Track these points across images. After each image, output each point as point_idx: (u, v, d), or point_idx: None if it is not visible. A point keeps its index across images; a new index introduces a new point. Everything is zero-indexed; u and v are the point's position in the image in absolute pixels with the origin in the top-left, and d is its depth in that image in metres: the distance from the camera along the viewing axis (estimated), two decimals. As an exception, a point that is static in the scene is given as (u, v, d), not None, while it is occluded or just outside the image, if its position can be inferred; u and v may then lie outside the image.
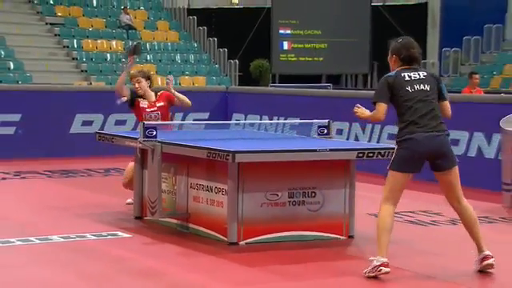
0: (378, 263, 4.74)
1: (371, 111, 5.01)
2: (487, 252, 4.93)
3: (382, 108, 4.85)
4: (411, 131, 4.78)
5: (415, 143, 4.76)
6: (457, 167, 4.93)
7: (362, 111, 5.08)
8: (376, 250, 4.81)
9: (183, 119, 10.80)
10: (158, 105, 7.04)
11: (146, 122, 6.16)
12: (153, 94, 7.10)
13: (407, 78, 4.86)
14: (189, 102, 7.03)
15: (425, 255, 5.53)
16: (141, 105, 7.05)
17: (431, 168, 4.91)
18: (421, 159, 4.82)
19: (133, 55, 7.16)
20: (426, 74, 4.94)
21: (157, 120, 6.94)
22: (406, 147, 4.79)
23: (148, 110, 7.03)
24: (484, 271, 4.93)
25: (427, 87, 4.87)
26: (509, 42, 20.88)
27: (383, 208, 4.84)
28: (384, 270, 4.73)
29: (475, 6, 22.79)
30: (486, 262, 4.91)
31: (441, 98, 4.94)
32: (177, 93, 7.05)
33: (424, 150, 4.78)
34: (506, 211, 7.34)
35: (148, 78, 7.13)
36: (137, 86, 7.04)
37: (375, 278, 4.74)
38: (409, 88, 4.83)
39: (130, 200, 6.93)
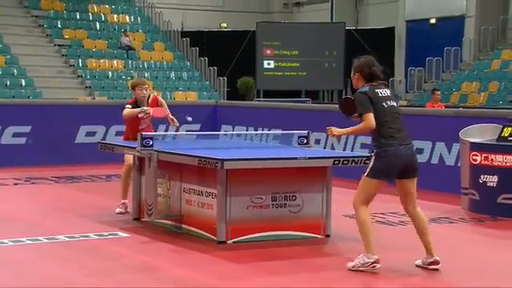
0: (372, 260, 4.69)
1: (344, 128, 4.91)
2: (437, 258, 4.88)
3: (371, 117, 4.70)
4: (389, 144, 4.73)
5: (393, 155, 4.73)
6: (416, 177, 4.91)
7: (335, 130, 4.92)
8: (359, 248, 4.77)
9: (177, 130, 10.75)
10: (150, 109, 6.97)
11: (143, 133, 6.12)
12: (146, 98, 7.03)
13: (380, 95, 4.81)
14: (165, 111, 6.95)
15: (395, 251, 5.52)
16: (139, 115, 6.94)
17: (397, 176, 4.86)
18: (396, 169, 4.78)
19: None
20: (390, 91, 4.93)
21: (147, 123, 6.90)
22: (384, 158, 4.73)
23: (145, 116, 6.93)
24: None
25: (394, 104, 4.88)
26: (466, 62, 21.07)
27: (363, 211, 4.76)
28: (377, 266, 4.70)
29: (436, 30, 22.98)
30: (433, 267, 4.87)
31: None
32: (161, 105, 6.99)
33: (400, 162, 4.76)
34: (465, 212, 7.36)
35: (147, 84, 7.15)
36: (144, 92, 6.94)
37: (356, 271, 4.70)
38: (384, 104, 4.79)
39: (118, 209, 6.85)
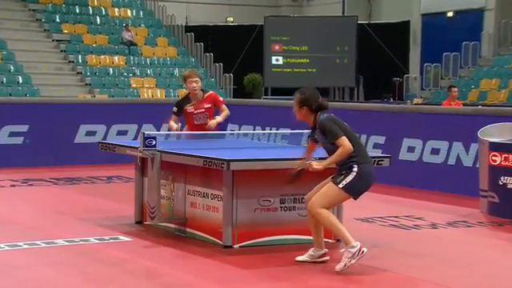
0: (357, 247, 4.81)
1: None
2: (326, 250, 5.15)
3: (346, 140, 4.89)
4: (367, 162, 4.97)
5: (370, 174, 4.97)
6: None
7: (316, 164, 5.00)
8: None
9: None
10: (205, 106, 6.98)
11: (146, 132, 6.14)
12: (201, 93, 7.01)
13: (336, 117, 5.03)
14: (228, 112, 7.06)
15: (407, 257, 5.52)
16: (188, 110, 6.97)
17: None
18: (368, 188, 5.02)
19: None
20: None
21: (205, 120, 6.94)
22: (365, 177, 4.92)
23: (195, 112, 6.96)
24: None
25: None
26: (485, 58, 21.00)
27: (324, 211, 4.93)
28: (365, 250, 4.84)
29: (454, 24, 22.93)
30: (324, 259, 5.12)
31: None
32: (219, 118, 7.03)
33: (372, 182, 5.03)
34: (483, 216, 7.34)
35: (200, 78, 7.09)
36: (194, 85, 6.91)
37: (352, 263, 4.76)
38: (345, 124, 5.02)
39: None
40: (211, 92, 7.15)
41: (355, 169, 4.90)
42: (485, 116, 8.60)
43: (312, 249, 5.17)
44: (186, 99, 7.01)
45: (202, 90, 7.03)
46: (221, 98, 7.20)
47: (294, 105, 5.07)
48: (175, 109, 6.98)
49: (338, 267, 4.85)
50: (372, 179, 5.00)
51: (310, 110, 5.03)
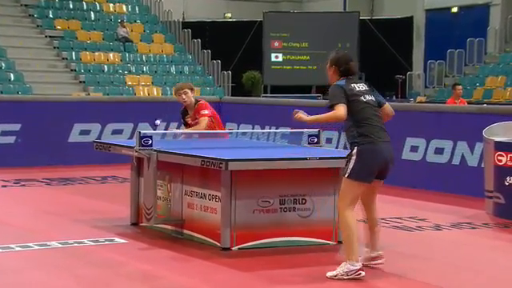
0: (356, 267, 4.75)
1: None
2: (381, 252, 5.06)
3: (342, 107, 4.77)
4: (370, 141, 4.80)
5: (377, 154, 4.79)
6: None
7: (299, 115, 5.03)
8: (348, 254, 4.81)
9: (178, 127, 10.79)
10: (197, 116, 7.02)
11: (141, 132, 6.15)
12: (193, 104, 7.05)
13: (357, 89, 4.91)
14: (201, 126, 6.97)
15: (409, 259, 5.54)
16: (188, 122, 7.10)
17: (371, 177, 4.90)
18: (377, 168, 4.86)
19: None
20: (366, 86, 5.01)
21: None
22: (366, 157, 4.78)
23: (192, 122, 7.06)
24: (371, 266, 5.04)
25: (373, 98, 4.96)
26: (490, 55, 21.01)
27: (349, 214, 4.82)
28: (362, 273, 4.77)
29: (458, 20, 22.93)
30: (378, 261, 5.04)
31: (380, 105, 5.00)
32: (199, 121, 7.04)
33: (383, 161, 4.84)
34: (489, 217, 7.35)
35: (192, 89, 7.13)
36: (184, 97, 7.01)
37: (352, 279, 4.74)
38: (362, 98, 4.88)
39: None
40: (201, 102, 7.15)
41: (354, 151, 4.80)
42: (490, 115, 8.62)
43: (366, 250, 5.08)
44: (185, 110, 7.15)
45: (195, 99, 7.09)
46: (204, 112, 7.03)
47: (326, 63, 5.04)
48: (182, 121, 7.16)
49: (330, 274, 4.82)
50: (377, 156, 4.77)
51: (338, 72, 4.95)
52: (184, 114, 7.16)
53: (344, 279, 4.76)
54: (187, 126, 7.16)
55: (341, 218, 4.87)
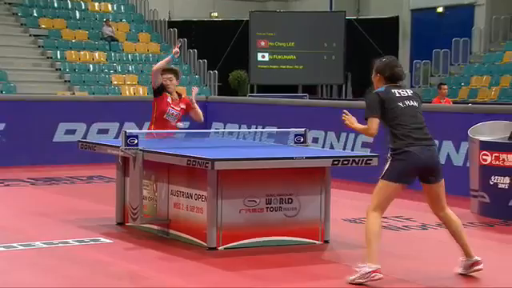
0: (371, 269, 4.67)
1: (359, 122, 4.96)
2: (477, 258, 4.94)
3: (375, 123, 4.78)
4: (407, 144, 4.75)
5: (411, 156, 4.75)
6: (443, 179, 4.94)
7: (350, 120, 4.96)
8: (360, 255, 4.78)
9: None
10: (181, 106, 6.99)
11: (127, 131, 6.13)
12: (176, 93, 7.02)
13: (397, 95, 4.85)
14: (202, 118, 7.07)
15: (397, 259, 5.55)
16: (167, 99, 6.94)
17: (421, 180, 4.87)
18: (415, 171, 4.80)
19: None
20: (411, 91, 4.98)
21: (174, 120, 6.94)
22: (401, 159, 4.75)
23: (172, 106, 6.95)
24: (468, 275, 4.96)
25: (416, 103, 4.90)
26: (476, 54, 21.15)
27: (373, 216, 4.77)
28: (378, 276, 4.68)
29: (444, 20, 23.07)
30: (476, 268, 4.94)
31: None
32: (196, 105, 7.05)
33: (419, 163, 4.78)
34: (474, 216, 7.40)
35: (178, 76, 7.07)
36: (169, 83, 6.93)
37: (360, 284, 4.68)
38: (401, 104, 4.82)
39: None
40: (185, 97, 7.14)
41: (391, 154, 4.79)
42: (475, 114, 8.66)
43: (461, 258, 4.98)
44: (166, 88, 6.97)
45: (176, 92, 7.04)
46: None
47: (372, 71, 5.00)
48: (158, 83, 6.89)
49: (350, 278, 4.73)
50: (413, 159, 4.71)
51: (383, 79, 4.90)
52: (165, 90, 6.93)
53: (361, 282, 4.67)
54: (159, 99, 6.90)
55: (366, 219, 4.82)
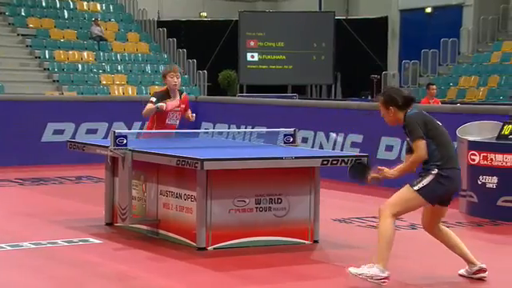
0: (384, 275, 4.59)
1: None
2: (482, 265, 4.93)
3: (423, 145, 4.61)
4: (450, 167, 4.68)
5: (452, 182, 4.70)
6: None
7: (389, 172, 4.80)
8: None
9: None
10: (182, 106, 6.94)
11: (116, 131, 6.11)
12: (178, 92, 6.96)
13: (428, 113, 4.77)
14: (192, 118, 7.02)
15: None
16: (168, 107, 6.86)
17: (439, 202, 4.79)
18: (447, 195, 4.77)
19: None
20: None
21: (176, 120, 6.89)
22: (443, 183, 4.65)
23: (173, 111, 6.87)
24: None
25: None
26: (464, 55, 21.25)
27: (390, 221, 4.66)
28: (386, 282, 4.63)
29: (432, 20, 23.17)
30: (480, 275, 4.92)
31: None
32: (190, 115, 7.03)
33: (455, 187, 4.79)
34: (463, 216, 7.43)
35: (180, 75, 7.06)
36: (176, 80, 6.85)
37: (358, 276, 4.66)
38: (438, 123, 4.78)
39: None
40: (185, 94, 7.13)
41: (434, 171, 4.62)
42: (464, 114, 8.70)
43: (467, 267, 4.93)
44: (166, 94, 6.92)
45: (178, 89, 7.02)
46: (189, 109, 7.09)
47: (381, 109, 4.79)
48: (154, 99, 6.82)
49: (354, 270, 4.65)
50: (454, 185, 4.70)
51: (398, 108, 4.72)
52: (164, 97, 6.86)
53: (366, 280, 4.62)
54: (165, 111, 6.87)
55: (381, 223, 4.69)
